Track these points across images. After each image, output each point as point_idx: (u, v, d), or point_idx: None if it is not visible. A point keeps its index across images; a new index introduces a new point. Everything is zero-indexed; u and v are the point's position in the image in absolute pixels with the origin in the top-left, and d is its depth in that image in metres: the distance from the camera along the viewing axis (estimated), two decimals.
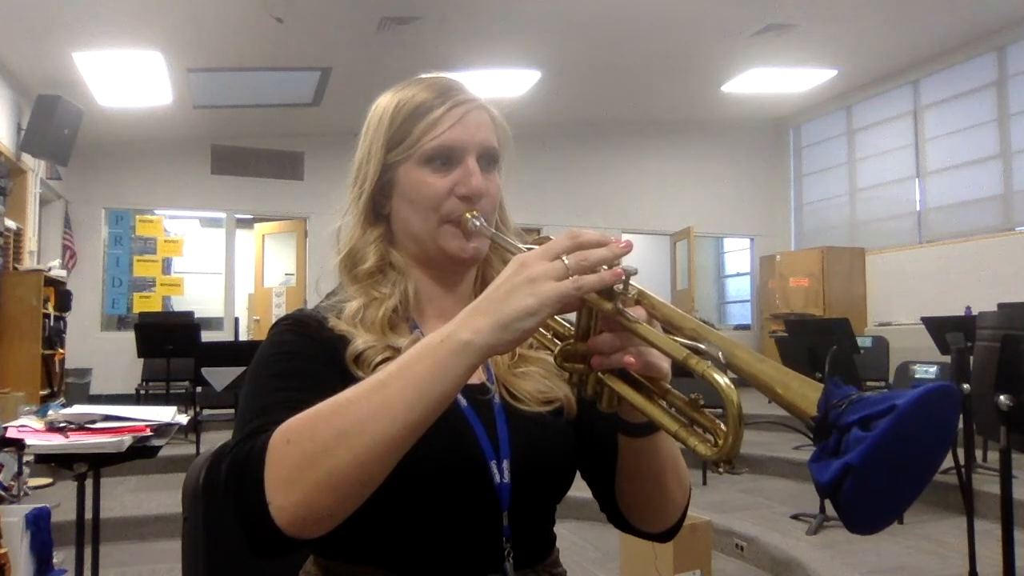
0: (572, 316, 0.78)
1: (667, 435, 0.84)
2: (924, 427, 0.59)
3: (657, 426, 0.72)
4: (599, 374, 0.74)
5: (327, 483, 0.66)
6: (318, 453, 0.66)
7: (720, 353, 0.64)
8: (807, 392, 0.61)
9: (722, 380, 0.62)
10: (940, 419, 0.61)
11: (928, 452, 0.62)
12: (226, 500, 0.71)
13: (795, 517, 4.02)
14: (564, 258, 0.68)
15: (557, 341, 0.79)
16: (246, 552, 1.06)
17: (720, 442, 0.65)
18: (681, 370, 0.68)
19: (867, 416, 0.57)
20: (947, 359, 3.74)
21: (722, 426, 0.65)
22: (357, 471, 0.66)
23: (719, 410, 0.67)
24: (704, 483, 4.85)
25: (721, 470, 0.66)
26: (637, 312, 0.70)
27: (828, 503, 3.88)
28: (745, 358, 0.64)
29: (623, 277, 0.68)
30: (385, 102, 0.94)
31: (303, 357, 0.84)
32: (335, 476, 0.66)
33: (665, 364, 0.72)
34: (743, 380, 0.65)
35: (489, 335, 0.67)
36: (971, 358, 2.34)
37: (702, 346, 0.66)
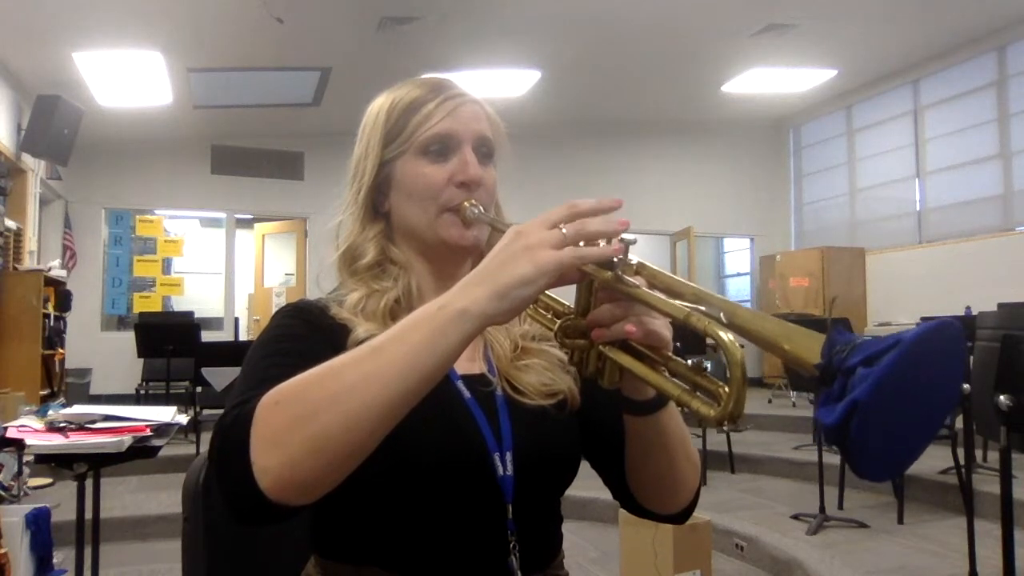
0: (570, 300, 0.78)
1: (673, 413, 0.83)
2: (931, 364, 0.58)
3: (660, 393, 0.72)
4: (600, 348, 0.73)
5: (313, 446, 0.64)
6: (306, 415, 0.65)
7: (721, 314, 0.63)
8: (810, 343, 0.60)
9: (725, 336, 0.61)
10: (948, 356, 0.60)
11: (938, 391, 0.61)
12: (211, 464, 0.69)
13: (795, 517, 4.02)
14: (562, 227, 0.67)
15: (557, 320, 0.79)
16: (246, 552, 1.06)
17: (723, 402, 0.64)
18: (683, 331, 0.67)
19: (871, 355, 0.56)
20: None
21: (725, 388, 0.64)
22: (345, 436, 0.65)
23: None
24: (704, 483, 4.84)
25: (726, 428, 0.65)
26: (637, 282, 0.70)
27: (828, 504, 3.90)
28: (747, 316, 0.63)
29: (623, 252, 0.68)
30: (380, 101, 0.96)
31: (302, 339, 0.84)
32: (322, 439, 0.64)
33: (666, 332, 0.71)
34: (747, 340, 0.64)
35: (486, 303, 0.66)
36: (971, 358, 2.34)
37: (702, 308, 0.65)
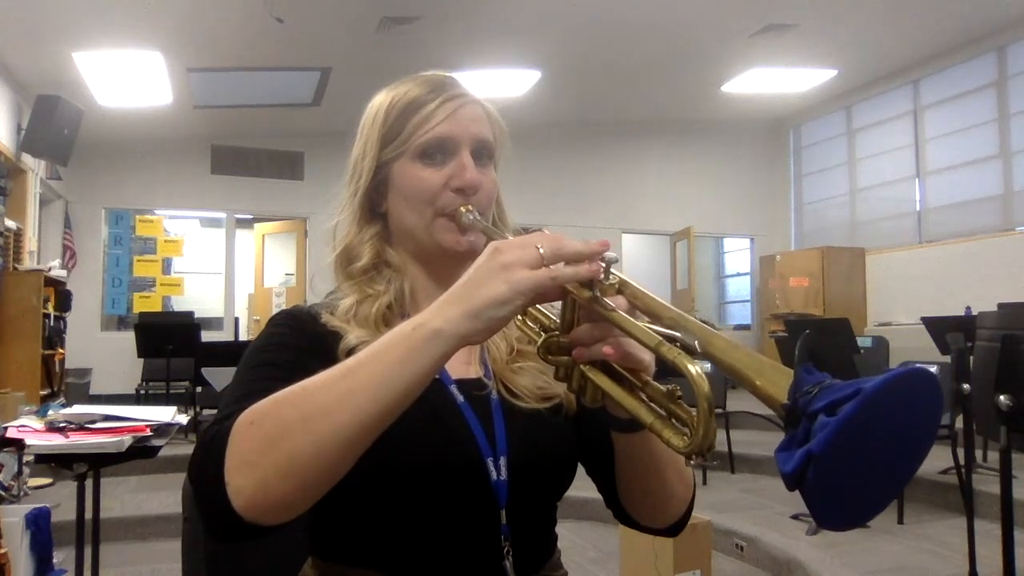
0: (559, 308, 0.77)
1: None
2: (898, 414, 0.56)
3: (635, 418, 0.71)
4: (581, 367, 0.72)
5: (286, 467, 0.64)
6: (280, 436, 0.65)
7: (696, 341, 0.62)
8: (780, 380, 0.58)
9: (693, 368, 0.60)
10: (917, 406, 0.57)
11: (906, 442, 0.58)
12: (189, 481, 0.70)
13: (795, 517, 4.02)
14: (540, 247, 0.67)
15: (544, 334, 0.78)
16: (246, 553, 1.06)
17: (692, 434, 0.63)
18: (664, 365, 0.66)
19: (833, 402, 0.54)
20: (947, 359, 3.74)
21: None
22: (317, 457, 0.65)
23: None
24: (704, 483, 4.85)
25: (693, 462, 0.63)
26: (618, 301, 0.69)
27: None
28: (721, 346, 0.62)
29: (600, 273, 0.67)
30: (379, 99, 0.95)
31: (290, 349, 0.84)
32: (295, 461, 0.64)
33: (645, 355, 0.70)
34: (720, 370, 0.63)
35: (460, 324, 0.66)
36: (971, 358, 2.33)
37: (679, 335, 0.64)
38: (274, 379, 0.71)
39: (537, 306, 0.78)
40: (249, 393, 0.71)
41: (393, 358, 0.66)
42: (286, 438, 0.65)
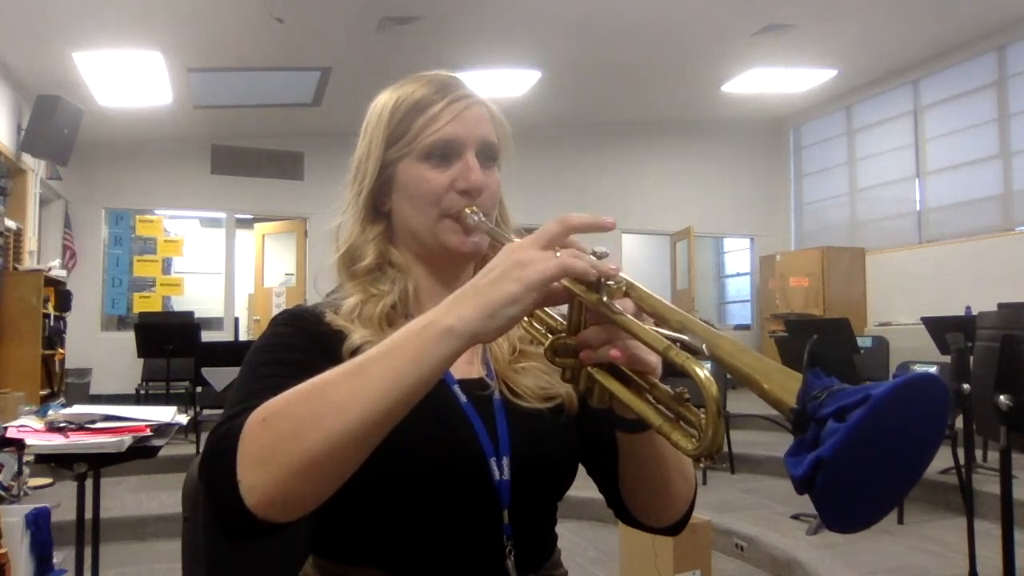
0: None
1: None
2: (906, 419, 0.56)
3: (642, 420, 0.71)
4: (589, 369, 0.73)
5: (299, 465, 0.65)
6: (292, 434, 0.65)
7: (703, 345, 0.63)
8: (788, 384, 0.58)
9: (701, 372, 0.61)
10: (925, 411, 0.58)
11: (913, 446, 0.59)
12: (200, 480, 0.70)
13: (795, 517, 4.02)
14: (557, 251, 0.67)
15: (551, 336, 0.78)
16: (246, 552, 1.06)
17: (700, 437, 0.63)
18: (671, 366, 0.67)
19: (842, 407, 0.54)
20: (947, 359, 3.74)
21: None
22: (330, 454, 0.65)
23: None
24: (704, 483, 4.85)
25: (702, 464, 0.65)
26: (625, 304, 0.69)
27: None
28: (728, 349, 0.62)
29: (612, 270, 0.67)
30: (384, 99, 0.95)
31: (295, 348, 0.84)
32: (307, 458, 0.65)
33: (652, 358, 0.70)
34: (728, 372, 0.64)
35: (473, 322, 0.66)
36: (971, 358, 2.34)
37: (685, 337, 0.64)
38: (281, 377, 0.72)
39: (544, 308, 0.78)
40: (257, 391, 0.72)
41: (404, 356, 0.66)
42: (299, 435, 0.65)
